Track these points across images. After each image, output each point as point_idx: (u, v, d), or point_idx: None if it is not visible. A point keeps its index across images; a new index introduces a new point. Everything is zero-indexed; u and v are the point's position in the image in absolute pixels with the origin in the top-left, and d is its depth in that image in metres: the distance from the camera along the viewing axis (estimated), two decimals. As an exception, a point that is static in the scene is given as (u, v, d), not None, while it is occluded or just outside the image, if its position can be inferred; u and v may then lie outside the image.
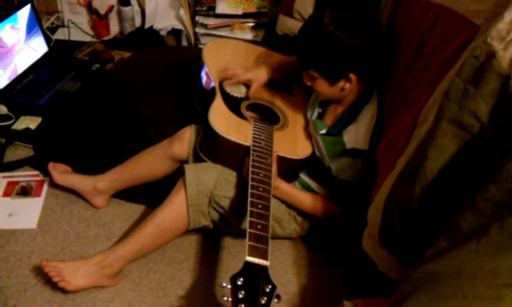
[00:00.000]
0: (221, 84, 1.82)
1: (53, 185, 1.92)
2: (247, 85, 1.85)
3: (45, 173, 1.95)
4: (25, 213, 1.83)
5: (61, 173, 1.88)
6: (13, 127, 2.13)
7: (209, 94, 1.80)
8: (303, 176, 1.75)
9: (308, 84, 1.64)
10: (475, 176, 1.06)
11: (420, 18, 1.44)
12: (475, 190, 1.03)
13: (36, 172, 2.00)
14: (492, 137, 1.05)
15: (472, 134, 1.08)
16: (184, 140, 1.75)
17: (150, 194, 1.86)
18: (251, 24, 2.70)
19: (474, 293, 0.97)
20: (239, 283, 1.12)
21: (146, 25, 2.82)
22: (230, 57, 2.00)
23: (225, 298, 1.12)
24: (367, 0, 1.79)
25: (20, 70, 2.34)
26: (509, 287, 0.94)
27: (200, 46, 2.71)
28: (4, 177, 1.98)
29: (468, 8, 1.21)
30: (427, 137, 1.15)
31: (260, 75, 1.84)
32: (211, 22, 2.67)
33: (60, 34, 2.87)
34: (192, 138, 1.75)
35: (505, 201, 0.95)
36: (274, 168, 1.54)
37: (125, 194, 1.89)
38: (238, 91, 1.83)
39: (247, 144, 1.58)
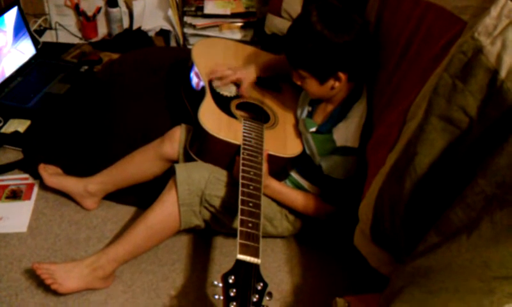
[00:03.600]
0: (210, 83, 1.82)
1: (43, 188, 1.91)
2: (237, 84, 1.86)
3: (35, 176, 1.94)
4: (16, 217, 1.82)
5: (51, 174, 1.87)
6: (2, 130, 2.12)
7: (199, 94, 1.80)
8: (294, 175, 1.76)
9: (298, 83, 1.65)
10: (465, 171, 1.07)
11: (407, 16, 1.45)
12: (465, 184, 1.03)
13: (26, 175, 1.99)
14: (481, 131, 1.06)
15: (460, 129, 1.09)
16: (175, 139, 1.75)
17: (141, 196, 1.86)
18: (240, 24, 2.71)
19: (466, 287, 0.98)
20: (231, 281, 1.12)
21: (134, 27, 2.81)
22: (219, 57, 2.00)
23: (217, 296, 1.12)
24: (355, -2, 1.81)
25: (7, 73, 2.32)
26: (500, 280, 0.96)
27: (189, 46, 2.71)
28: (-7, 181, 1.97)
29: (455, 4, 1.22)
30: (416, 133, 1.16)
31: (250, 73, 1.84)
32: (199, 22, 2.67)
33: (48, 37, 2.86)
34: (183, 137, 1.75)
35: (495, 194, 0.96)
36: (264, 166, 1.54)
37: (116, 196, 1.89)
38: (228, 90, 1.83)
39: (237, 142, 1.59)
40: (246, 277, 1.14)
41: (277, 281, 1.68)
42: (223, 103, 1.76)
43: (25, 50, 2.45)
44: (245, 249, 1.21)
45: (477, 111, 1.06)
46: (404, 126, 1.25)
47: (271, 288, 1.14)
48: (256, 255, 1.20)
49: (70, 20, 2.92)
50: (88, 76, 2.44)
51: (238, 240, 1.23)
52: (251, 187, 1.42)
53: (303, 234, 1.81)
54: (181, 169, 1.59)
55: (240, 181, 1.43)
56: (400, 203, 1.22)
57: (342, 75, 1.55)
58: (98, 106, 2.14)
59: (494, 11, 1.05)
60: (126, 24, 2.91)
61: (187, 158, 1.70)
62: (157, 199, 1.60)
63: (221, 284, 1.13)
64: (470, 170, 1.04)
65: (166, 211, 1.57)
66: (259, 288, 1.12)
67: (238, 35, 2.71)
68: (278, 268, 1.72)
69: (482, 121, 1.05)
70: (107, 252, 1.57)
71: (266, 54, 2.07)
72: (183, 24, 2.70)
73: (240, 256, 1.19)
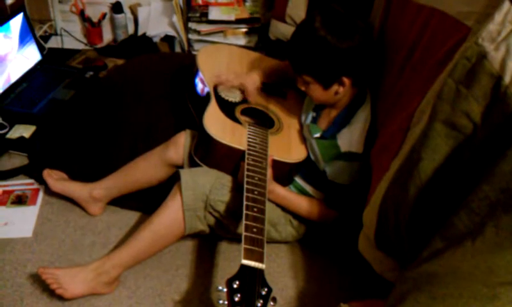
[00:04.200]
0: (215, 89, 1.83)
1: (48, 193, 1.91)
2: (242, 90, 1.86)
3: (40, 181, 1.95)
4: (21, 222, 1.83)
5: (56, 180, 1.87)
6: (7, 136, 2.12)
7: (204, 100, 1.80)
8: (298, 180, 1.76)
9: (302, 88, 1.65)
10: (469, 176, 1.07)
11: (411, 21, 1.45)
12: (469, 190, 1.03)
13: (31, 180, 2.00)
14: (485, 137, 1.06)
15: (464, 135, 1.09)
16: (179, 145, 1.76)
17: (146, 201, 1.86)
18: (244, 30, 2.71)
19: (470, 292, 0.98)
20: (235, 286, 1.12)
21: (139, 32, 2.82)
22: (224, 63, 2.01)
23: (221, 301, 1.12)
24: (359, 4, 1.81)
25: (13, 79, 2.33)
26: (505, 285, 0.95)
27: (194, 52, 2.71)
28: (-2, 186, 1.97)
29: (459, 10, 1.22)
30: (420, 138, 1.16)
31: (253, 78, 1.84)
32: (204, 28, 2.68)
33: (53, 43, 2.87)
34: (187, 143, 1.75)
35: (499, 200, 0.96)
36: (269, 172, 1.54)
37: (121, 201, 1.89)
38: (233, 96, 1.83)
39: (242, 148, 1.59)
40: (251, 282, 1.14)
41: (281, 286, 1.68)
42: (227, 108, 1.76)
43: (31, 55, 2.47)
44: (250, 254, 1.21)
45: (481, 117, 1.06)
46: (408, 132, 1.26)
47: (275, 293, 1.14)
48: (260, 260, 1.20)
49: (75, 26, 2.94)
50: (93, 82, 2.45)
51: (242, 245, 1.23)
52: (255, 193, 1.42)
53: (307, 239, 1.81)
54: (186, 175, 1.59)
55: (245, 186, 1.43)
56: (405, 209, 1.22)
57: (346, 80, 1.55)
58: (103, 112, 2.15)
59: (498, 17, 1.05)
60: (131, 30, 2.92)
61: (192, 164, 1.70)
62: (162, 204, 1.60)
63: (225, 289, 1.13)
64: (474, 175, 1.04)
65: (170, 216, 1.58)
66: (263, 293, 1.12)
67: (242, 41, 2.71)
68: (282, 274, 1.72)
69: (486, 127, 1.05)
70: (111, 257, 1.57)
71: (270, 60, 2.07)
72: (187, 30, 2.71)
73: (245, 261, 1.19)
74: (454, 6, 1.25)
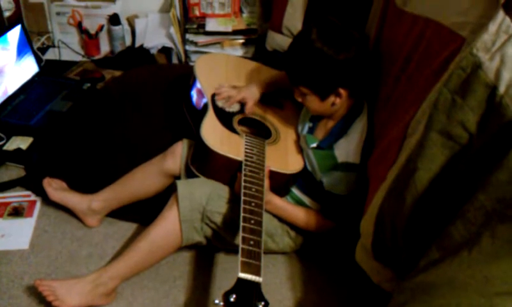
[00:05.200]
0: (213, 98, 1.83)
1: (45, 205, 1.91)
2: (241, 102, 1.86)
3: (37, 193, 1.95)
4: (17, 234, 1.82)
5: (56, 189, 1.87)
6: (4, 148, 2.12)
7: (201, 110, 1.80)
8: (295, 191, 1.76)
9: (299, 100, 1.65)
10: (465, 186, 1.07)
11: (407, 32, 1.46)
12: (465, 199, 1.03)
13: (28, 192, 1.99)
14: (480, 146, 1.06)
15: (460, 144, 1.09)
16: (177, 154, 1.76)
17: (143, 212, 1.86)
18: (241, 41, 2.72)
19: (467, 303, 0.97)
20: (232, 299, 1.11)
21: (137, 44, 2.83)
22: (221, 72, 2.02)
23: (218, 315, 1.12)
24: (355, 15, 1.82)
25: (10, 91, 2.33)
26: (501, 295, 0.95)
27: (191, 63, 2.72)
28: (-5, 198, 1.97)
29: (453, 21, 1.23)
30: (417, 148, 1.16)
31: (254, 92, 1.85)
32: (201, 39, 2.69)
33: (51, 54, 2.88)
34: (185, 152, 1.75)
35: (495, 209, 0.96)
36: (266, 183, 1.54)
37: (118, 213, 1.88)
38: (230, 106, 1.83)
39: (239, 158, 1.59)
40: (247, 296, 1.13)
41: (279, 297, 1.67)
42: (225, 118, 1.76)
43: (28, 67, 2.47)
44: (246, 268, 1.20)
45: (476, 127, 1.06)
46: (404, 142, 1.26)
47: (273, 304, 1.13)
48: (257, 273, 1.20)
49: (73, 38, 2.94)
50: (91, 93, 2.45)
51: (239, 258, 1.22)
52: (252, 204, 1.42)
53: (304, 250, 1.80)
54: (183, 186, 1.59)
55: (242, 198, 1.42)
56: (401, 219, 1.22)
57: (342, 92, 1.56)
58: (100, 123, 2.15)
59: (492, 27, 1.06)
60: (128, 42, 2.93)
61: (189, 174, 1.70)
62: (159, 215, 1.60)
63: (222, 303, 1.12)
64: (470, 185, 1.04)
65: (167, 227, 1.57)
66: (260, 306, 1.11)
67: (239, 52, 2.72)
68: (279, 285, 1.72)
69: (481, 137, 1.06)
70: (108, 269, 1.56)
71: (267, 69, 2.08)
72: (185, 41, 2.72)
73: (242, 275, 1.18)
74: (449, 17, 1.25)
